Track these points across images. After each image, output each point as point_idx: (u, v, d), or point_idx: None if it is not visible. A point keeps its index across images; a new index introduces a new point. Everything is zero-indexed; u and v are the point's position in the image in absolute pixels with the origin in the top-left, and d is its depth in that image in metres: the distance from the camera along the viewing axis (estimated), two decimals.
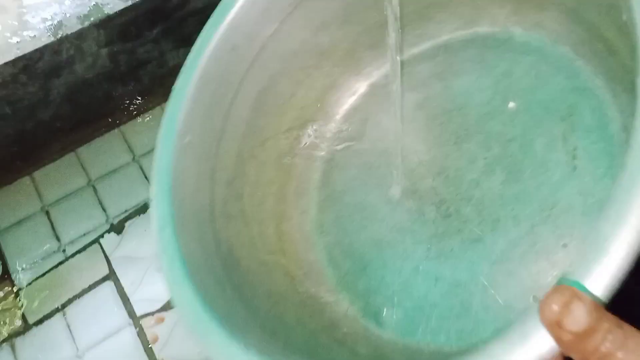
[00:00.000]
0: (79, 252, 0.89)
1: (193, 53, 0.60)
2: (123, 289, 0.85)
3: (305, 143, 0.67)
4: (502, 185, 0.54)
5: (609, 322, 0.28)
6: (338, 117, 0.68)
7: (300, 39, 0.64)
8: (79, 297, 0.85)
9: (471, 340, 0.48)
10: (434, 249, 0.54)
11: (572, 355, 0.29)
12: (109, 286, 0.86)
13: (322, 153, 0.67)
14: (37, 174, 0.96)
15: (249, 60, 0.62)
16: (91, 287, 0.86)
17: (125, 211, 0.92)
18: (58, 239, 0.90)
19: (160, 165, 0.54)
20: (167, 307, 0.83)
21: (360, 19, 0.64)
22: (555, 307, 0.28)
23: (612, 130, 0.50)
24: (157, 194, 0.52)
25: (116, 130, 1.00)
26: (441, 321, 0.51)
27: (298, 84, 0.66)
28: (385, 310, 0.53)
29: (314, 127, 0.68)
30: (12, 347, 0.82)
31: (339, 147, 0.67)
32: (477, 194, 0.55)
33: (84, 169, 0.96)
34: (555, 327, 0.28)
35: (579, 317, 0.27)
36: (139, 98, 1.01)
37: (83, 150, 0.98)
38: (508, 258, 0.51)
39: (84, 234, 0.90)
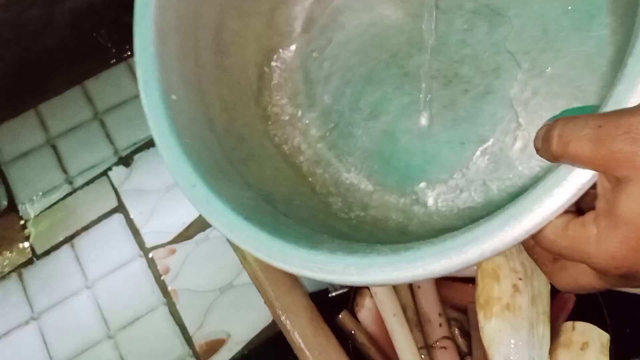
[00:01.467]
0: (87, 184, 0.87)
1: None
2: (132, 221, 0.83)
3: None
4: (488, 35, 0.52)
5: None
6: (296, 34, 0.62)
7: None
8: (87, 229, 0.83)
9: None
10: (447, 116, 0.52)
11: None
12: (118, 218, 0.84)
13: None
14: (43, 107, 0.93)
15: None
16: (100, 219, 0.84)
17: (134, 144, 0.89)
18: (65, 171, 0.88)
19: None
20: (178, 239, 0.81)
21: None
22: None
23: None
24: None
25: (123, 64, 0.97)
26: (479, 181, 0.49)
27: (247, 15, 0.60)
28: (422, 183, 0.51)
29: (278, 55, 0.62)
30: (20, 277, 0.80)
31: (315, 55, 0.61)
32: (468, 52, 0.53)
33: (90, 101, 0.93)
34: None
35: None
36: None
37: (90, 83, 0.95)
38: (525, 98, 0.49)
39: (92, 167, 0.88)
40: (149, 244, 0.81)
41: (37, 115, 0.93)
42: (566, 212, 0.30)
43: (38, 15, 0.84)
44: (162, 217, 0.83)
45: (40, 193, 0.86)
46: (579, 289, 0.32)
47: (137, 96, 0.91)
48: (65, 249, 0.82)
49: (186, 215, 0.82)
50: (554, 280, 0.34)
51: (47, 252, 0.82)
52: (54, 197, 0.86)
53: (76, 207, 0.85)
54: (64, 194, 0.86)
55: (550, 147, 0.30)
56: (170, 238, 0.81)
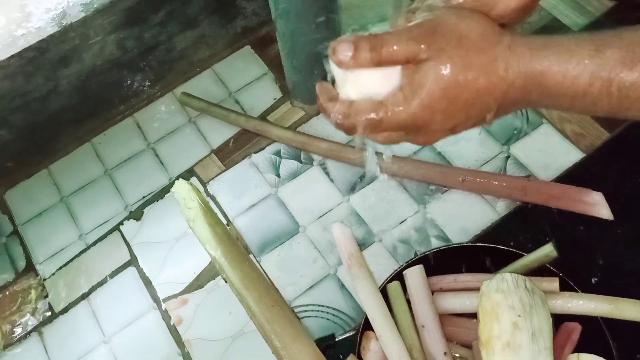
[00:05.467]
0: (99, 240, 0.89)
1: None
2: (145, 273, 0.86)
3: None
4: None
5: None
6: None
7: None
8: (102, 285, 0.86)
9: None
10: None
11: None
12: (131, 272, 0.86)
13: None
14: (54, 166, 0.97)
15: None
16: (114, 274, 0.86)
17: (143, 197, 0.92)
18: (78, 228, 0.91)
19: None
20: (189, 288, 0.83)
21: None
22: None
23: None
24: None
25: (129, 118, 1.00)
26: None
27: None
28: None
29: None
30: (40, 336, 0.83)
31: None
32: None
33: (99, 158, 0.97)
34: None
35: None
36: (150, 84, 1.01)
37: (98, 140, 0.98)
38: None
39: (104, 222, 0.91)
40: (161, 295, 0.83)
41: (49, 175, 0.96)
42: None
43: (43, 82, 0.88)
44: (173, 268, 0.85)
45: (56, 252, 0.89)
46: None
47: (143, 150, 0.95)
48: (82, 305, 0.84)
49: (196, 265, 0.85)
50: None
51: (65, 310, 0.84)
52: (69, 254, 0.89)
53: (91, 263, 0.88)
54: (79, 250, 0.89)
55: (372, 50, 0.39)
56: (182, 288, 0.83)
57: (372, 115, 0.39)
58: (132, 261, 0.87)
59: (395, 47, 0.38)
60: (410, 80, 0.39)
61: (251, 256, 0.84)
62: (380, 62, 0.39)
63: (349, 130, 0.41)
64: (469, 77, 0.37)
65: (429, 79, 0.38)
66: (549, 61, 0.36)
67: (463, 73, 0.37)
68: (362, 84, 0.41)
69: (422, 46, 0.38)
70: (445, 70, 0.37)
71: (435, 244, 0.82)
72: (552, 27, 0.98)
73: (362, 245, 0.83)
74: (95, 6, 0.85)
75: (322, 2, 0.79)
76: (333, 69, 0.42)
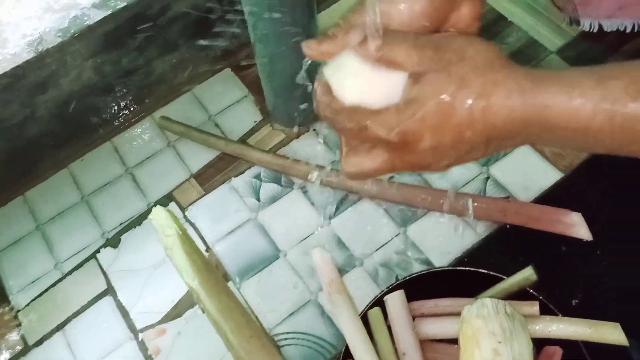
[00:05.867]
0: (75, 268, 0.88)
1: None
2: (122, 303, 0.84)
3: None
4: None
5: None
6: None
7: None
8: (78, 315, 0.84)
9: None
10: None
11: None
12: (107, 301, 0.84)
13: None
14: (30, 193, 0.95)
15: None
16: (90, 304, 0.84)
17: (121, 224, 0.91)
18: (54, 257, 0.89)
19: None
20: (167, 317, 0.82)
21: None
22: None
23: None
24: None
25: (107, 143, 0.99)
26: None
27: None
28: None
29: None
30: None
31: None
32: None
33: (76, 184, 0.95)
34: None
35: None
36: (129, 108, 1.00)
37: (75, 165, 0.97)
38: None
39: (80, 250, 0.89)
40: (139, 325, 0.81)
41: (24, 202, 0.94)
42: None
43: (19, 108, 0.87)
44: (151, 297, 0.84)
45: (31, 282, 0.87)
46: (361, 174, 0.41)
47: (121, 175, 0.94)
48: (57, 336, 0.82)
49: (174, 293, 0.83)
50: (343, 165, 0.42)
51: (39, 342, 0.82)
52: (45, 284, 0.87)
53: (66, 293, 0.86)
54: (54, 280, 0.87)
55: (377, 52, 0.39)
56: (159, 318, 0.82)
57: (361, 122, 0.39)
58: (109, 290, 0.85)
59: (394, 55, 0.38)
60: (407, 95, 0.38)
61: (231, 283, 0.83)
62: (379, 59, 0.39)
63: (338, 129, 0.41)
64: (466, 96, 0.36)
65: (424, 93, 0.37)
66: (552, 93, 0.35)
67: (460, 91, 0.36)
68: (361, 90, 0.40)
69: (422, 60, 0.38)
70: (443, 85, 0.36)
71: (417, 267, 0.81)
72: (530, 48, 0.99)
73: (343, 270, 0.82)
74: (72, 31, 0.85)
75: (301, 26, 0.79)
76: (328, 75, 0.42)
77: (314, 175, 0.76)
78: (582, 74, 0.35)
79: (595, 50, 0.96)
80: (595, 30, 0.94)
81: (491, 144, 0.38)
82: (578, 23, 0.94)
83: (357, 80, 0.40)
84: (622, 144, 0.34)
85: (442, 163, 0.39)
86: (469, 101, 0.36)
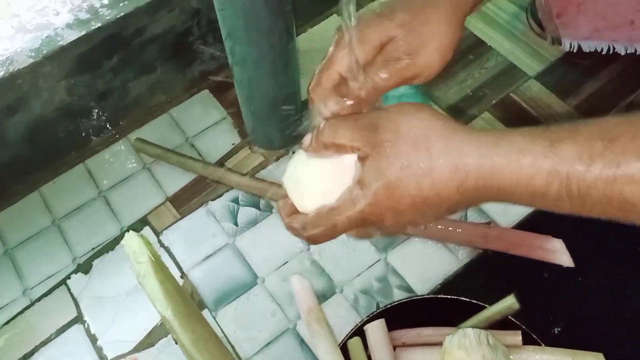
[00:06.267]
0: (45, 295, 0.84)
1: None
2: (92, 331, 0.81)
3: None
4: None
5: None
6: None
7: None
8: (46, 344, 0.80)
9: None
10: None
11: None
12: (77, 329, 0.81)
13: None
14: (0, 217, 0.92)
15: None
16: (59, 332, 0.81)
17: (92, 249, 0.88)
18: (23, 283, 0.86)
19: None
20: (139, 347, 0.79)
21: None
22: None
23: None
24: None
25: (80, 165, 0.96)
26: None
27: None
28: None
29: None
30: None
31: None
32: None
33: (48, 207, 0.92)
34: None
35: None
36: (103, 130, 0.98)
37: (46, 189, 0.94)
38: None
39: (50, 276, 0.86)
40: (110, 354, 0.79)
41: None
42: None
43: None
44: (123, 325, 0.81)
45: None
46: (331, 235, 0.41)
47: (94, 199, 0.91)
48: None
49: (147, 321, 0.80)
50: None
51: None
52: (12, 311, 0.83)
53: (35, 320, 0.82)
54: (22, 307, 0.83)
55: (322, 138, 0.39)
56: (131, 347, 0.79)
57: (327, 224, 0.39)
58: (79, 318, 0.82)
59: (337, 141, 0.39)
60: (358, 180, 0.38)
61: (206, 311, 0.81)
62: (328, 147, 0.40)
63: (311, 241, 0.42)
64: (410, 176, 0.36)
65: (371, 178, 0.37)
66: (500, 162, 0.34)
67: (402, 172, 0.36)
68: (320, 192, 0.41)
69: (363, 142, 0.38)
70: (384, 169, 0.36)
71: (398, 294, 0.80)
72: (509, 72, 0.99)
73: (322, 297, 0.80)
74: (44, 52, 0.83)
75: (280, 49, 0.78)
76: (289, 189, 0.43)
77: None
78: (534, 137, 0.33)
79: (573, 75, 0.97)
80: (575, 51, 0.95)
81: (459, 208, 0.38)
82: (560, 43, 0.96)
83: (313, 185, 0.41)
84: (583, 209, 0.33)
85: (419, 224, 0.41)
86: (414, 181, 0.36)
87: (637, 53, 0.93)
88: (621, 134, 0.30)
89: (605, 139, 0.31)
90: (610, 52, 0.94)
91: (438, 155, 0.35)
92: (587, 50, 0.95)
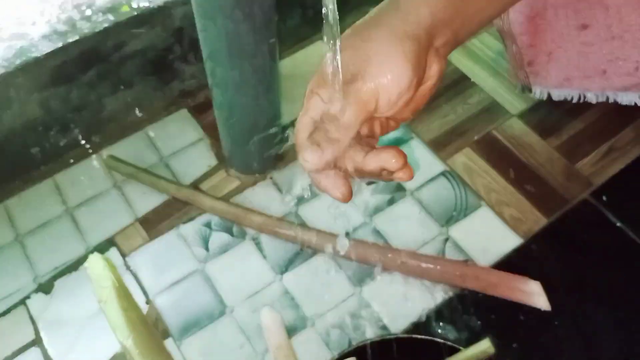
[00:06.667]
0: (2, 315, 0.80)
1: None
2: (50, 356, 0.77)
3: None
4: None
5: None
6: None
7: None
8: None
9: None
10: None
11: None
12: (34, 353, 0.77)
13: None
14: None
15: None
16: (15, 354, 0.77)
17: (55, 268, 0.84)
18: None
19: None
20: None
21: None
22: None
23: None
24: None
25: (49, 180, 0.93)
26: None
27: None
28: None
29: None
30: None
31: None
32: None
33: (11, 222, 0.88)
34: None
35: None
36: (75, 145, 0.94)
37: (11, 203, 0.90)
38: None
39: (9, 295, 0.82)
40: None
41: None
42: None
43: None
44: (82, 351, 0.77)
45: None
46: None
47: (61, 215, 0.88)
48: None
49: (108, 348, 0.76)
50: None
51: None
52: None
53: None
54: None
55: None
56: None
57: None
58: (37, 341, 0.78)
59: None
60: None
61: (170, 340, 0.77)
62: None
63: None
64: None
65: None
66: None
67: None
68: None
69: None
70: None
71: (371, 330, 0.77)
72: (491, 110, 0.98)
73: (292, 330, 0.77)
74: (17, 63, 0.80)
75: (262, 73, 0.76)
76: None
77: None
78: None
79: (555, 115, 0.97)
80: (544, 99, 0.95)
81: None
82: (530, 90, 0.96)
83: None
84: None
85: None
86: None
87: (610, 102, 0.93)
88: None
89: None
90: (581, 101, 0.94)
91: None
92: (557, 99, 0.95)
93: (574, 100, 0.94)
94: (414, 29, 0.38)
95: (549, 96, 0.95)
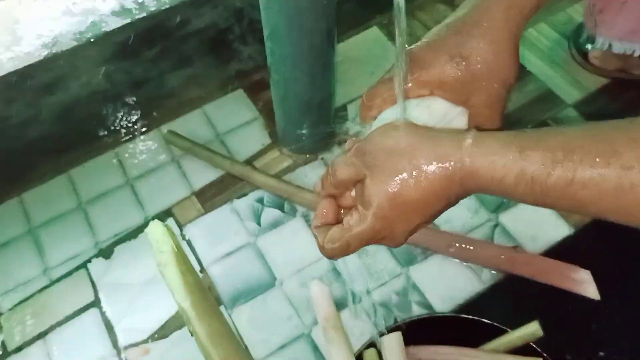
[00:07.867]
0: (64, 276, 0.85)
1: None
2: (108, 317, 0.81)
3: None
4: None
5: None
6: None
7: None
8: (61, 324, 0.80)
9: None
10: None
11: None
12: (93, 313, 0.81)
13: None
14: (26, 195, 0.93)
15: None
16: (75, 314, 0.81)
17: (115, 235, 0.88)
18: (44, 262, 0.86)
19: None
20: (153, 337, 0.78)
21: None
22: None
23: None
24: None
25: (111, 152, 0.97)
26: None
27: None
28: None
29: None
30: None
31: None
32: None
33: (75, 190, 0.93)
34: None
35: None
36: (136, 119, 0.98)
37: (75, 172, 0.95)
38: None
39: (71, 258, 0.86)
40: (123, 342, 0.78)
41: (20, 204, 0.92)
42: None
43: (24, 108, 0.85)
44: (139, 313, 0.81)
45: (16, 285, 0.84)
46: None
47: (121, 186, 0.92)
48: (38, 345, 0.79)
49: (163, 312, 0.80)
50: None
51: (19, 349, 0.79)
52: (31, 289, 0.84)
53: (52, 300, 0.83)
54: (41, 286, 0.84)
55: (329, 183, 0.44)
56: (145, 336, 0.78)
57: (340, 240, 0.43)
58: (96, 302, 0.82)
59: (338, 176, 0.42)
60: (361, 199, 0.42)
61: (222, 307, 0.80)
62: (333, 194, 0.44)
63: (329, 255, 0.46)
64: (406, 183, 0.40)
65: (372, 194, 0.40)
66: (477, 163, 0.38)
67: (399, 181, 0.40)
68: None
69: (357, 169, 0.41)
70: (382, 183, 0.40)
71: (416, 310, 0.78)
72: (547, 99, 0.98)
73: (340, 305, 0.79)
74: (88, 36, 0.84)
75: (320, 50, 0.78)
76: None
77: None
78: (504, 144, 0.38)
79: (612, 107, 0.95)
80: (604, 49, 0.95)
81: (451, 202, 0.41)
82: (593, 41, 0.95)
83: None
84: (545, 205, 0.38)
85: (425, 224, 0.43)
86: (413, 186, 0.40)
87: None
88: (580, 145, 0.36)
89: (566, 149, 0.36)
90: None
91: (427, 160, 0.39)
92: (616, 52, 0.94)
93: (636, 54, 0.93)
94: (520, 19, 0.44)
95: (608, 87, 0.94)
